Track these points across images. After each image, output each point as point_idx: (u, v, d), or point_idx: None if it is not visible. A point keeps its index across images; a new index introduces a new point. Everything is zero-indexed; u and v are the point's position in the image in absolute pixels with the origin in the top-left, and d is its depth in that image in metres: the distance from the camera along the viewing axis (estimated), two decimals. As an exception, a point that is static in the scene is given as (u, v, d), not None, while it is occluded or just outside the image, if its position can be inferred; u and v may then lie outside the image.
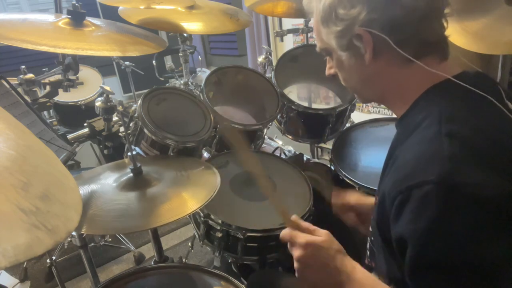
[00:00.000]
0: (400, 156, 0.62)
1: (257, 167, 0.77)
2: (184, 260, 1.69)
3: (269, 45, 3.44)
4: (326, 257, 0.69)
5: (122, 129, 1.38)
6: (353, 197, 1.04)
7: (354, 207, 1.02)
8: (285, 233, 0.74)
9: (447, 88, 0.63)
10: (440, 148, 0.54)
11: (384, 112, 2.75)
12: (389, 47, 0.63)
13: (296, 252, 0.71)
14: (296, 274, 0.72)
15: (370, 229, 0.76)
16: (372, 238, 0.75)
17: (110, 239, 2.06)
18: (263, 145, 1.73)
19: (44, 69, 1.39)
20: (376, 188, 1.26)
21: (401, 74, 0.67)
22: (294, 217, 0.75)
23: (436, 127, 0.57)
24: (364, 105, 2.87)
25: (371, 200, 0.99)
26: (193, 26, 1.60)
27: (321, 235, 0.72)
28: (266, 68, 1.84)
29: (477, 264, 0.50)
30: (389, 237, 0.61)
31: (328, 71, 0.80)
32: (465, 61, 0.66)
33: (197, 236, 1.26)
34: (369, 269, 0.78)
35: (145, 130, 1.25)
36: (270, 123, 1.59)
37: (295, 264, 0.71)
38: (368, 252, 0.79)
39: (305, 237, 0.71)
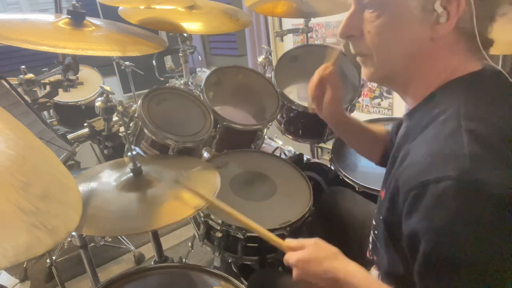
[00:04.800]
0: (413, 150, 0.60)
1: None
2: (184, 260, 1.70)
3: (269, 45, 3.44)
4: (316, 266, 0.70)
5: (122, 129, 1.38)
6: (334, 95, 0.95)
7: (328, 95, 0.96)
8: (284, 259, 0.76)
9: (467, 83, 0.61)
10: (460, 145, 0.52)
11: (384, 112, 2.75)
12: (466, 28, 0.58)
13: (294, 273, 0.72)
14: None
15: (374, 222, 0.76)
16: (376, 232, 0.74)
17: (110, 239, 2.06)
18: (263, 145, 1.73)
19: (44, 69, 1.39)
20: (376, 188, 1.28)
21: (446, 61, 0.63)
22: (286, 241, 0.78)
23: (455, 122, 0.56)
24: (364, 105, 2.86)
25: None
26: (193, 26, 1.61)
27: (308, 247, 0.73)
28: (266, 68, 1.84)
29: (492, 264, 0.49)
30: (397, 233, 0.60)
31: (349, 29, 0.67)
32: (488, 59, 0.64)
33: (197, 236, 1.26)
34: (371, 262, 0.78)
35: (145, 130, 1.25)
36: (270, 123, 1.59)
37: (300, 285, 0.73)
38: (371, 246, 0.79)
39: (293, 256, 0.73)
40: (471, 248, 0.50)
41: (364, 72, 0.71)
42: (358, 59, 0.71)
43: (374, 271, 0.76)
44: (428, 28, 0.60)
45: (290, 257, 0.74)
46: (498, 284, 0.50)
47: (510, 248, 0.49)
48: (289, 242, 0.77)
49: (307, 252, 0.72)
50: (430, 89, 0.65)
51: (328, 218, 1.17)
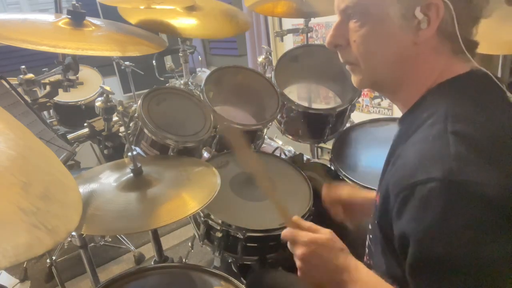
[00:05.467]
0: (403, 153, 0.61)
1: (258, 167, 0.77)
2: (184, 260, 1.70)
3: (269, 45, 3.44)
4: (329, 255, 0.69)
5: (122, 129, 1.38)
6: (345, 191, 1.00)
7: (344, 201, 1.00)
8: (286, 232, 0.73)
9: (454, 86, 0.62)
10: (446, 146, 0.53)
11: (384, 112, 2.75)
12: (448, 31, 0.59)
13: (298, 251, 0.70)
14: (299, 273, 0.72)
15: (370, 227, 0.76)
16: (371, 236, 0.75)
17: (110, 239, 2.06)
18: (263, 145, 1.73)
19: (44, 69, 1.39)
20: (375, 188, 1.28)
21: (432, 64, 0.64)
22: (295, 218, 0.75)
23: (442, 125, 0.56)
24: (364, 105, 2.86)
25: (364, 193, 0.98)
26: (192, 29, 1.60)
27: (325, 234, 0.72)
28: (266, 68, 1.84)
29: (478, 264, 0.50)
30: (390, 235, 0.61)
31: (335, 39, 0.69)
32: (473, 61, 0.64)
33: (197, 236, 1.26)
34: (368, 267, 0.78)
35: (145, 130, 1.25)
36: (270, 123, 1.59)
37: (297, 263, 0.71)
38: (367, 250, 0.79)
39: (307, 235, 0.71)
40: (457, 248, 0.50)
41: (354, 79, 0.73)
42: (347, 67, 0.73)
43: None
44: (411, 34, 0.62)
45: (300, 234, 0.71)
46: (485, 284, 0.50)
47: (496, 248, 0.49)
48: (300, 220, 0.75)
49: (324, 237, 0.70)
50: (419, 93, 0.66)
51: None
